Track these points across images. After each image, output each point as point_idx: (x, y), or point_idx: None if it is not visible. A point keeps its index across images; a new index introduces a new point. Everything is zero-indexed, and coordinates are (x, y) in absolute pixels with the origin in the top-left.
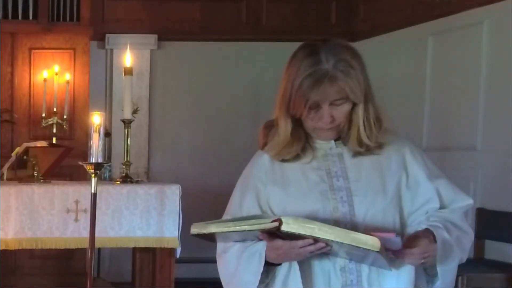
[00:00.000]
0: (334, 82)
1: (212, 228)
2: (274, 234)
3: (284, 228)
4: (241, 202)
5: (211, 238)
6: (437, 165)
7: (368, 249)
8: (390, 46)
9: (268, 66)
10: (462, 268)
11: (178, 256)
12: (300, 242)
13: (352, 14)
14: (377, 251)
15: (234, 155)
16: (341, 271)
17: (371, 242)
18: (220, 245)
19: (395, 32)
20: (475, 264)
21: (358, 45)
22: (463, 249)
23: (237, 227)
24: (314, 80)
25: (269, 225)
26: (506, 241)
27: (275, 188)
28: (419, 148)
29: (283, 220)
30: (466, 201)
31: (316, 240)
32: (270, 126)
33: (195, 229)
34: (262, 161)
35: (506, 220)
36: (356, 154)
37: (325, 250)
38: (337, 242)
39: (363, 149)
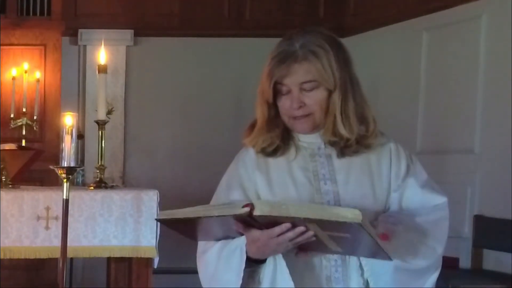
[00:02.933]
0: (302, 61)
1: (179, 214)
2: (251, 224)
3: (256, 212)
4: (228, 198)
5: (185, 231)
6: (432, 170)
7: (349, 223)
8: (382, 42)
9: (252, 63)
10: (458, 280)
11: (155, 266)
12: (277, 229)
13: (341, 7)
14: (359, 223)
15: (216, 159)
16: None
17: (351, 214)
18: (200, 245)
19: (388, 27)
20: (472, 275)
21: (347, 41)
22: (410, 246)
23: (206, 212)
24: (280, 58)
25: (240, 210)
26: (505, 251)
27: (262, 183)
28: (404, 146)
29: (255, 204)
30: (434, 202)
31: (294, 225)
32: (255, 124)
33: (162, 216)
34: (249, 157)
35: (505, 228)
36: (341, 150)
37: (308, 236)
38: (316, 220)
39: (341, 141)
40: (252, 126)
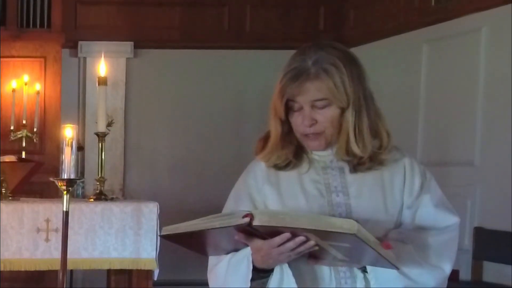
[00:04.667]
0: (314, 79)
1: (181, 228)
2: (253, 234)
3: (255, 222)
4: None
5: (192, 245)
6: None
7: (345, 233)
8: (382, 54)
9: (252, 75)
10: None
11: (155, 278)
12: (277, 239)
13: (341, 20)
14: (354, 234)
15: (215, 171)
16: None
17: (346, 225)
18: (211, 260)
19: (388, 39)
20: (472, 287)
21: None
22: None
23: (208, 225)
24: (293, 75)
25: (240, 220)
26: (505, 263)
27: (272, 196)
28: (418, 161)
29: (254, 214)
30: (446, 223)
31: (294, 234)
32: (267, 137)
33: (165, 232)
34: (259, 169)
35: (506, 240)
36: (354, 167)
37: (309, 246)
38: (312, 230)
39: (354, 160)
40: (264, 139)
